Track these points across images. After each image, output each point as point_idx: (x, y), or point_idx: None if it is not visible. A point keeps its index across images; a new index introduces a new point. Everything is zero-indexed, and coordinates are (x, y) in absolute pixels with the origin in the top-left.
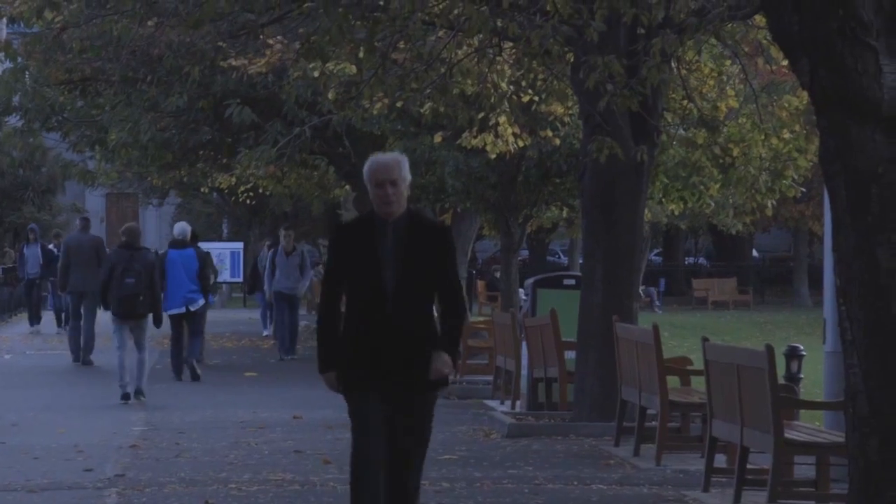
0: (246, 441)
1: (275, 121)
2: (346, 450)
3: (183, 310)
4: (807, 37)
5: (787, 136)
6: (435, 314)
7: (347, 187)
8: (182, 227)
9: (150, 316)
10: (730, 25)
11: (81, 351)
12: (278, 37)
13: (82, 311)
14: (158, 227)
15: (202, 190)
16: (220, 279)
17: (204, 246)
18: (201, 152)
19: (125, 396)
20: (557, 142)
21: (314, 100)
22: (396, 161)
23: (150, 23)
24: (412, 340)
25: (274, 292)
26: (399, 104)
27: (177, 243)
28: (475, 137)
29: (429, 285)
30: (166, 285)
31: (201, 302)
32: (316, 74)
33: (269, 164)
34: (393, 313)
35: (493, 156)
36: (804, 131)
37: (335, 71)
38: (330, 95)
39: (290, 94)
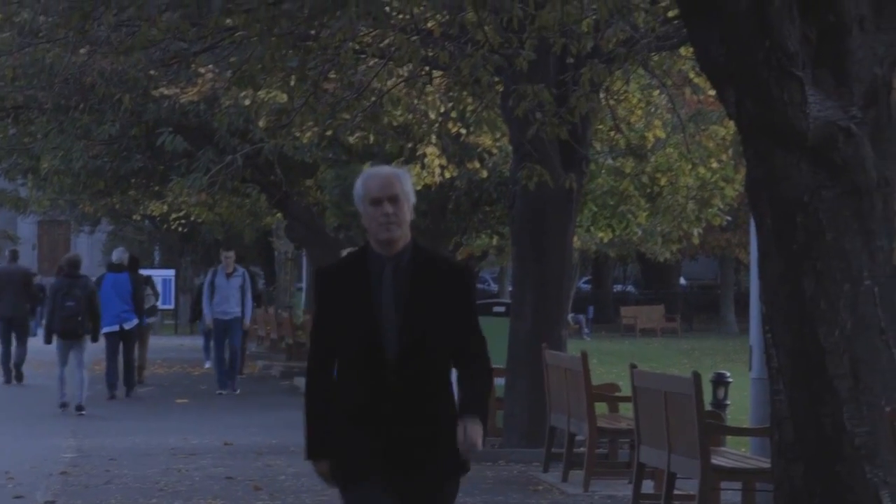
0: (177, 467)
1: (206, 149)
2: (277, 476)
3: (117, 328)
4: (733, 67)
5: (713, 165)
6: (452, 382)
7: (279, 215)
8: (120, 254)
9: (89, 336)
10: (657, 56)
11: (13, 366)
12: (210, 65)
13: (12, 336)
14: (91, 254)
15: (134, 217)
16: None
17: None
18: (133, 180)
19: (63, 405)
20: (485, 173)
21: (246, 128)
22: (395, 174)
23: (82, 51)
24: (424, 418)
25: (214, 319)
26: (329, 132)
27: (114, 267)
28: (404, 167)
29: (443, 345)
30: (101, 306)
31: (134, 321)
32: (247, 102)
33: (200, 192)
34: (397, 383)
35: (419, 187)
36: (731, 161)
37: (266, 99)
38: (261, 123)
39: (221, 122)
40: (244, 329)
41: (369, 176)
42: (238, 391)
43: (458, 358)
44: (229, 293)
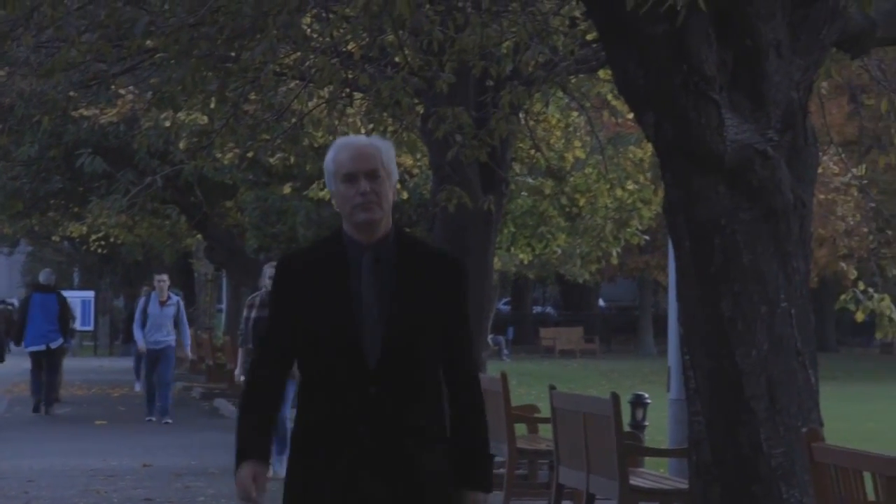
0: (95, 489)
1: (126, 170)
2: (196, 498)
3: (43, 347)
4: (651, 90)
5: (631, 187)
6: (443, 398)
7: (199, 236)
8: (47, 275)
9: None
10: (576, 79)
11: None
12: (130, 87)
13: None
14: (9, 275)
15: (53, 238)
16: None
17: None
18: (52, 201)
19: None
20: (405, 195)
21: (166, 149)
22: (373, 145)
23: (1, 72)
24: (411, 444)
25: (146, 348)
26: (250, 154)
27: (41, 288)
28: (322, 189)
29: (435, 354)
30: (27, 325)
31: (60, 341)
32: (167, 124)
33: (120, 213)
34: (378, 399)
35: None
36: (648, 183)
37: (187, 120)
38: (181, 145)
39: (141, 144)
40: (183, 358)
41: (341, 147)
42: (171, 421)
43: (446, 375)
44: (162, 322)
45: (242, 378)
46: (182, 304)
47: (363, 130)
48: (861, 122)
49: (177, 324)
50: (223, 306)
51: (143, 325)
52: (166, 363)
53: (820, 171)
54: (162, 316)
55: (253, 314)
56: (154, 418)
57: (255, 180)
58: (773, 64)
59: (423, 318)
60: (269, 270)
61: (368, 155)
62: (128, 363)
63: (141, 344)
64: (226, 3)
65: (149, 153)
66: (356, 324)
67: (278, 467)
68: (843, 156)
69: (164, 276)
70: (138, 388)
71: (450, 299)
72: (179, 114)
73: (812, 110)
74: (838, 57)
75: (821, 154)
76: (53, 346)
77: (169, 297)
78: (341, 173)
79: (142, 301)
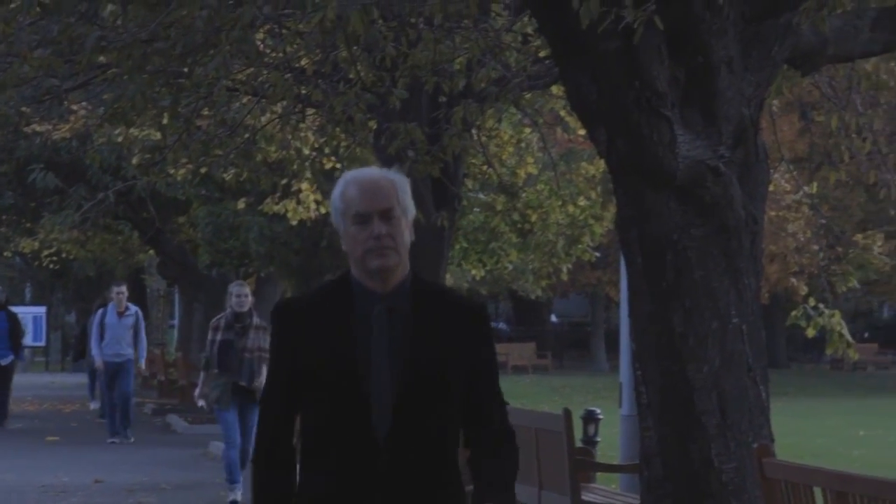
0: None
1: (78, 185)
2: None
3: None
4: (604, 107)
5: (583, 203)
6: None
7: (151, 252)
8: None
9: None
10: (529, 95)
11: None
12: (83, 102)
13: None
14: None
15: (5, 254)
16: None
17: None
18: (4, 216)
19: None
20: None
21: (118, 164)
22: (388, 179)
23: None
24: None
25: (103, 361)
26: (203, 169)
27: None
28: (277, 203)
29: (455, 420)
30: None
31: (11, 357)
32: (120, 139)
33: (72, 229)
34: (390, 474)
35: (295, 222)
36: (600, 199)
37: (139, 136)
38: (134, 160)
39: (94, 159)
40: (137, 371)
41: (350, 181)
42: (132, 439)
43: (474, 432)
44: (121, 334)
45: (202, 403)
46: (141, 314)
47: (316, 145)
48: (812, 139)
49: (136, 335)
50: (175, 322)
51: (101, 340)
52: (126, 377)
53: (771, 187)
54: (120, 327)
55: (218, 337)
56: (117, 440)
57: (207, 196)
58: (724, 80)
59: (443, 377)
60: (235, 289)
61: (382, 191)
62: (79, 379)
63: (98, 361)
64: (178, 18)
65: (101, 169)
66: (364, 386)
67: (232, 496)
68: (794, 172)
69: (123, 288)
70: (94, 406)
71: (476, 355)
72: (132, 129)
73: (763, 127)
74: (789, 74)
75: (772, 170)
76: (4, 362)
77: (127, 308)
78: (351, 212)
79: (98, 313)
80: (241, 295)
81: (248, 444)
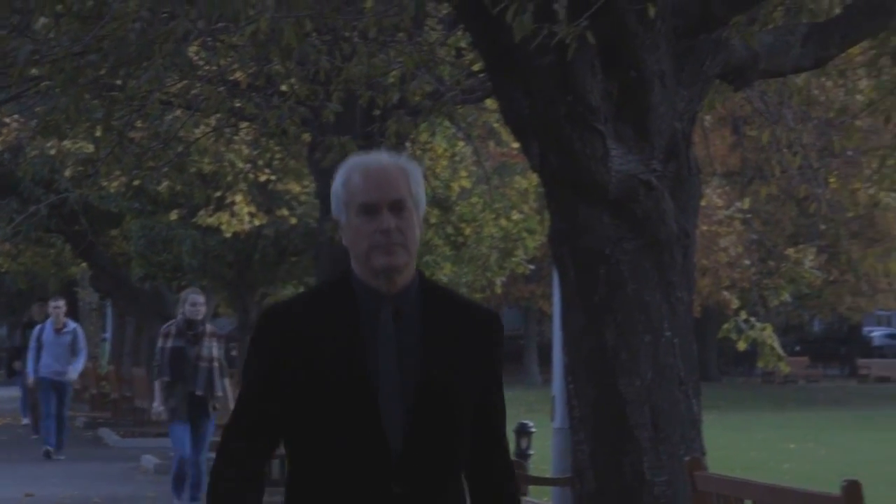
0: None
1: (10, 198)
2: None
3: None
4: (537, 121)
5: (516, 216)
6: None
7: (84, 265)
8: None
9: None
10: (463, 108)
11: None
12: (15, 115)
13: None
14: None
15: None
16: None
17: None
18: None
19: None
20: (294, 221)
21: (51, 177)
22: (399, 167)
23: None
24: None
25: (40, 378)
26: (136, 182)
27: None
28: (211, 216)
29: (465, 436)
30: None
31: None
32: (53, 152)
33: (4, 242)
34: (405, 501)
35: (229, 234)
36: (534, 212)
37: (72, 149)
38: (67, 173)
39: (26, 172)
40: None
41: (356, 168)
42: (63, 458)
43: (480, 459)
44: (58, 351)
45: (161, 409)
46: (80, 331)
47: (250, 159)
48: (743, 153)
49: (74, 352)
50: (108, 335)
51: (38, 357)
52: (65, 396)
53: (703, 202)
54: (57, 344)
55: (168, 343)
56: (53, 448)
57: (140, 208)
58: (657, 95)
59: (458, 391)
60: (191, 296)
61: (393, 180)
62: (12, 392)
63: (30, 378)
64: (111, 31)
65: (34, 181)
66: (373, 399)
67: None
68: (726, 187)
69: (61, 303)
70: (25, 421)
71: (486, 364)
72: (65, 142)
73: (696, 141)
74: (721, 88)
75: (704, 185)
76: None
77: (65, 325)
78: (356, 203)
79: (37, 329)
80: (196, 303)
81: (199, 455)
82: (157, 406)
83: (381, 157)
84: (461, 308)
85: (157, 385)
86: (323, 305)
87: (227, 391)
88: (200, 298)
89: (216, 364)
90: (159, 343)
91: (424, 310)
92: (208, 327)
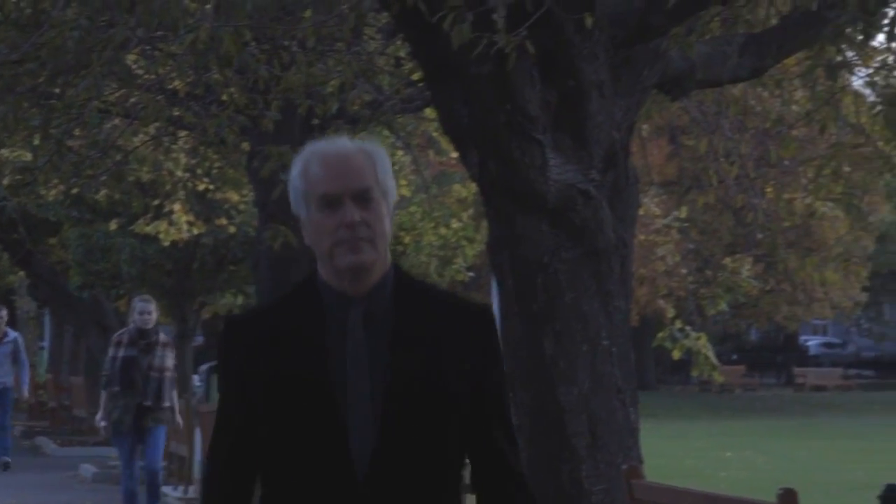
0: None
1: None
2: None
3: None
4: (476, 130)
5: (455, 225)
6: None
7: (22, 273)
8: None
9: None
10: (402, 117)
11: None
12: None
13: None
14: None
15: None
16: None
17: None
18: None
19: None
20: (233, 229)
21: None
22: (363, 151)
23: None
24: None
25: None
26: (74, 190)
27: None
28: (149, 224)
29: (451, 449)
30: None
31: None
32: None
33: None
34: None
35: (167, 243)
36: (472, 221)
37: (10, 157)
38: (4, 181)
39: None
40: (19, 398)
41: (314, 155)
42: (5, 471)
43: (480, 476)
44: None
45: (103, 424)
46: (21, 340)
47: (188, 167)
48: (681, 163)
49: (16, 361)
50: (45, 344)
51: None
52: (6, 406)
53: (641, 211)
54: None
55: (120, 353)
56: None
57: (79, 217)
58: (595, 105)
59: (437, 399)
60: (139, 305)
61: (356, 168)
62: None
63: None
64: (49, 39)
65: None
66: (339, 413)
67: None
68: (663, 196)
69: (3, 312)
70: None
71: (476, 369)
72: (2, 150)
73: (633, 151)
74: (659, 98)
75: (642, 194)
76: None
77: (6, 334)
78: (316, 194)
79: None
80: (144, 311)
81: (154, 465)
82: (100, 419)
83: (341, 143)
84: (441, 305)
85: (104, 395)
86: (286, 312)
87: (174, 402)
88: (150, 306)
89: (167, 374)
90: (110, 352)
91: (399, 310)
92: (161, 336)
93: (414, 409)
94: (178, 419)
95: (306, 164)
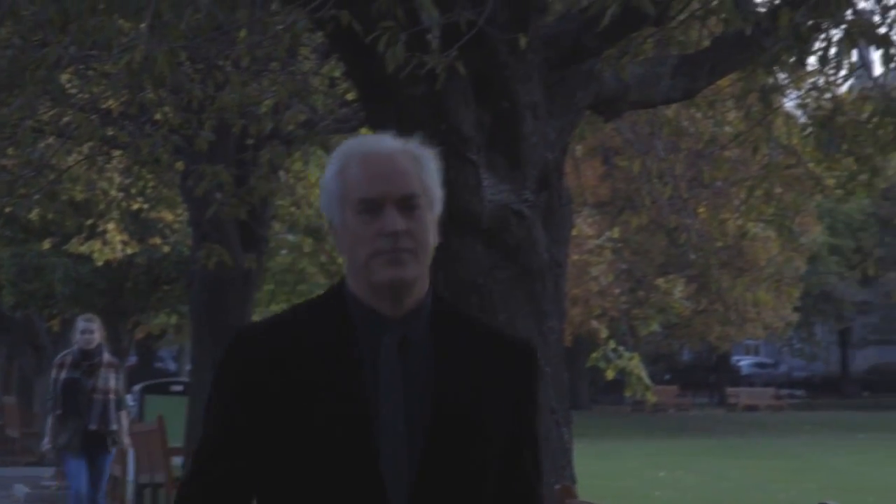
0: None
1: None
2: None
3: None
4: None
5: None
6: None
7: None
8: None
9: None
10: (337, 137)
11: None
12: None
13: None
14: None
15: None
16: None
17: None
18: None
19: None
20: (167, 249)
21: None
22: (411, 157)
23: None
24: None
25: None
26: (8, 210)
27: None
28: (83, 244)
29: (488, 489)
30: None
31: None
32: None
33: None
34: None
35: (101, 262)
36: None
37: None
38: None
39: None
40: None
41: (353, 154)
42: None
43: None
44: None
45: (48, 447)
46: None
47: (122, 187)
48: (614, 184)
49: None
50: None
51: None
52: None
53: (574, 231)
54: None
55: (63, 375)
56: None
57: (12, 236)
58: (529, 125)
59: (478, 441)
60: (81, 324)
61: (400, 171)
62: None
63: None
64: None
65: None
66: (371, 451)
67: None
68: (597, 216)
69: None
70: None
71: (515, 411)
72: None
73: (567, 171)
74: (592, 119)
75: (575, 214)
76: None
77: None
78: (353, 198)
79: None
80: (86, 331)
81: (97, 493)
82: (46, 443)
83: (385, 142)
84: (485, 337)
85: (49, 420)
86: (309, 330)
87: (122, 424)
88: (92, 325)
89: (112, 396)
90: (53, 374)
91: (438, 337)
92: (105, 357)
93: (455, 452)
94: (126, 441)
95: (344, 164)
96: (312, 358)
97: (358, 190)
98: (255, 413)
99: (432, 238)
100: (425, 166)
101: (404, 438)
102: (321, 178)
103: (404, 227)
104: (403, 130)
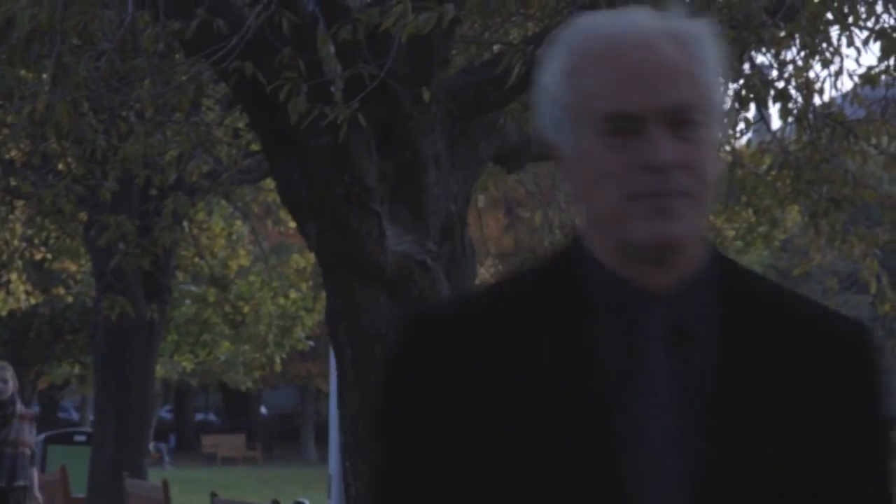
0: None
1: None
2: None
3: None
4: (314, 201)
5: (294, 295)
6: None
7: None
8: None
9: None
10: (240, 188)
11: None
12: None
13: None
14: None
15: None
16: None
17: None
18: None
19: None
20: (70, 299)
21: None
22: (680, 40)
23: None
24: None
25: None
26: None
27: None
28: None
29: None
30: None
31: None
32: None
33: None
34: None
35: (4, 313)
36: (311, 291)
37: None
38: None
39: None
40: None
41: (594, 41)
42: None
43: None
44: None
45: None
46: None
47: (25, 237)
48: (517, 235)
49: None
50: None
51: None
52: None
53: (478, 282)
54: None
55: None
56: None
57: None
58: (432, 176)
59: (800, 482)
60: None
61: (668, 67)
62: None
63: None
64: None
65: None
66: (623, 490)
67: None
68: (500, 267)
69: None
70: None
71: (864, 435)
72: None
73: (470, 222)
74: (495, 171)
75: (478, 265)
76: None
77: None
78: (597, 111)
79: None
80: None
81: None
82: None
83: (639, 19)
84: (800, 320)
85: None
86: (524, 312)
87: (33, 481)
88: (6, 374)
89: (25, 450)
90: None
91: (727, 326)
92: (19, 408)
93: (757, 489)
94: (38, 496)
95: (578, 58)
96: (525, 357)
97: (603, 99)
98: (447, 437)
99: (715, 171)
100: (703, 57)
101: (679, 479)
102: (225, 228)
103: (677, 158)
104: (308, 181)
